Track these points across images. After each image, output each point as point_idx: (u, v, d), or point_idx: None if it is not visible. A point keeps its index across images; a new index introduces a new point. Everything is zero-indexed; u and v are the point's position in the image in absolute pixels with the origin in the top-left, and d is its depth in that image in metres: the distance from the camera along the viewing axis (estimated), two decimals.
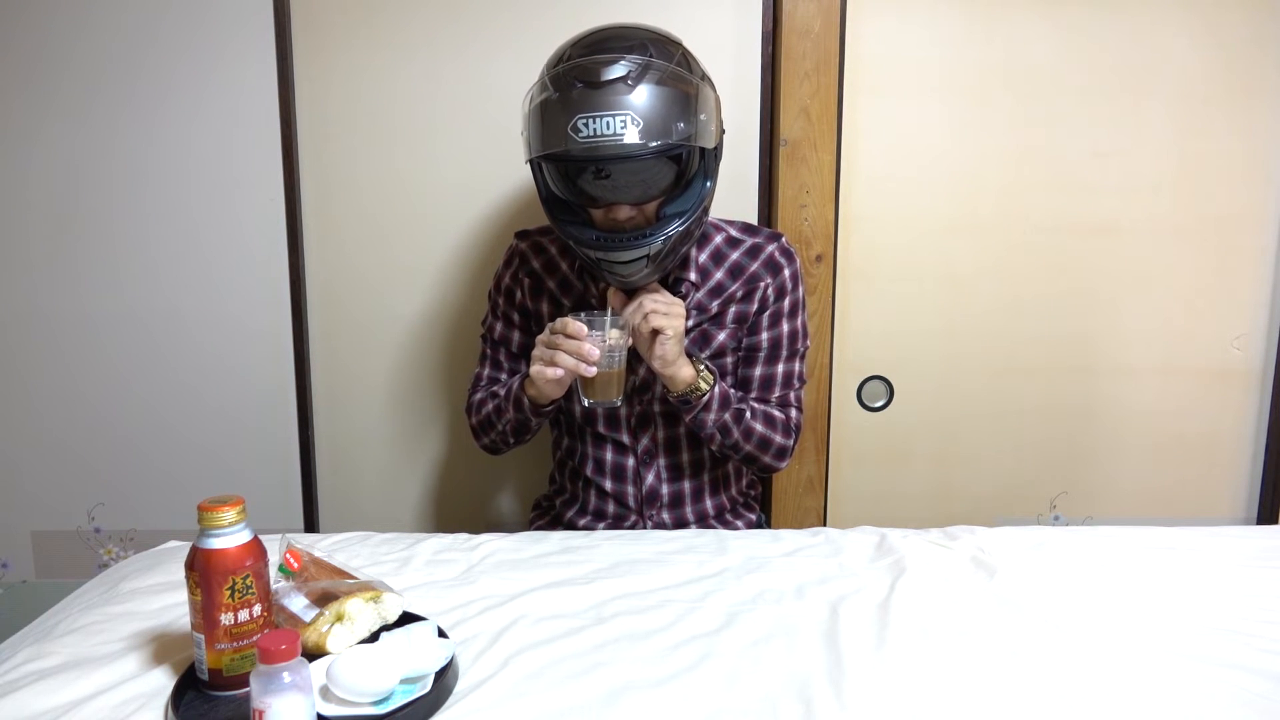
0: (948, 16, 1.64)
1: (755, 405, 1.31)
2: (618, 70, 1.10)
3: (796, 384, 1.36)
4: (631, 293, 1.23)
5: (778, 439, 1.32)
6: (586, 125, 1.09)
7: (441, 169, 1.67)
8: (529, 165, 1.21)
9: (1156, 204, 1.71)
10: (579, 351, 1.13)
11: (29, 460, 1.75)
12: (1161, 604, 1.00)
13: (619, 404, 1.22)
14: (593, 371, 1.14)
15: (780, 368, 1.35)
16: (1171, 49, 1.66)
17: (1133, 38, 1.65)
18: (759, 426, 1.30)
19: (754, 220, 1.68)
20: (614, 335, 1.17)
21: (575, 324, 1.13)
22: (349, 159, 1.67)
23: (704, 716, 0.78)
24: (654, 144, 1.10)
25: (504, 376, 1.40)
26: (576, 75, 1.11)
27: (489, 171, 1.66)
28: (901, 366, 1.76)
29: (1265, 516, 1.81)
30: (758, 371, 1.35)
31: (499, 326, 1.40)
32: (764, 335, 1.34)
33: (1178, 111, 1.68)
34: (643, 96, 1.10)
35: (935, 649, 0.90)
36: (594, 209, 1.20)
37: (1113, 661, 0.88)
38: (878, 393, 1.78)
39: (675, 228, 1.17)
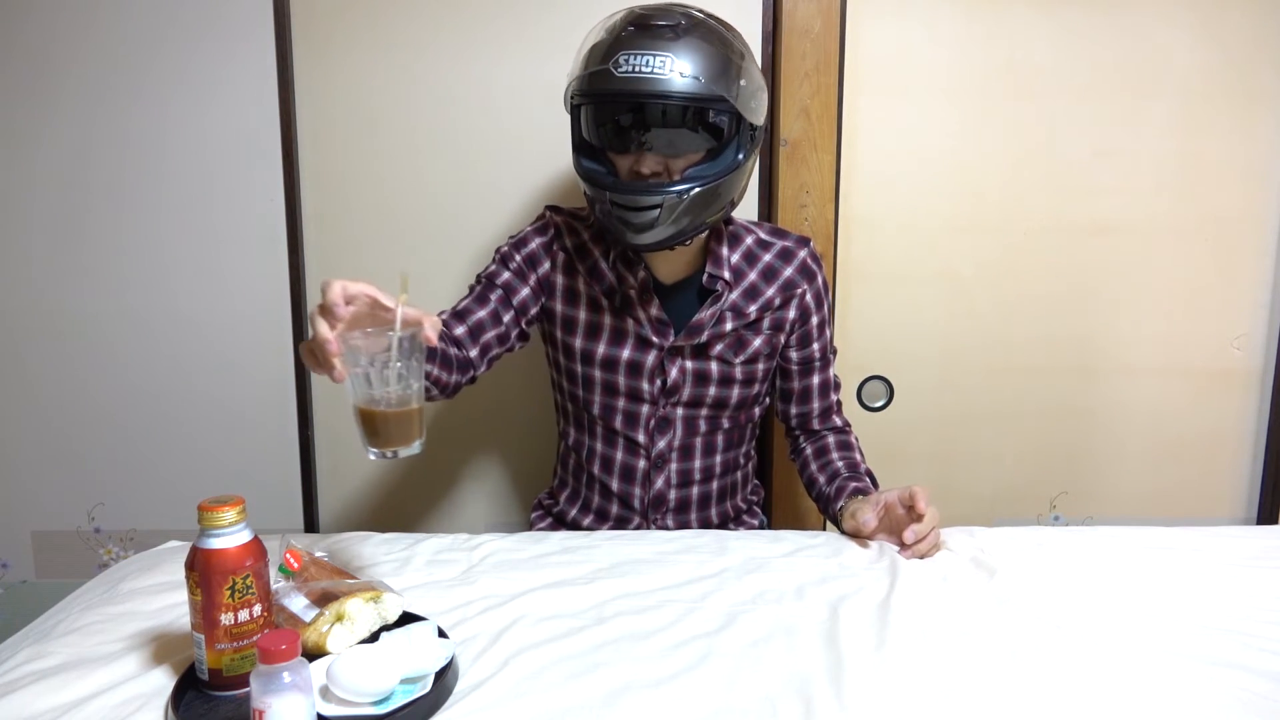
0: (948, 16, 1.64)
1: (854, 454, 1.39)
2: (670, 19, 1.13)
3: (838, 380, 1.44)
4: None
5: (860, 450, 1.41)
6: (628, 60, 1.11)
7: (442, 169, 1.67)
8: (568, 110, 1.22)
9: (1156, 204, 1.71)
10: (321, 346, 0.87)
11: (29, 460, 1.75)
12: (1161, 604, 1.00)
13: (417, 450, 0.93)
14: (338, 374, 0.88)
15: (831, 372, 1.41)
16: (1172, 49, 1.66)
17: (1133, 38, 1.65)
18: (863, 461, 1.39)
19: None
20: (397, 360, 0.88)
21: (336, 296, 0.88)
22: (349, 159, 1.67)
23: (704, 716, 0.78)
24: (688, 85, 1.10)
25: (482, 315, 1.28)
26: (629, 20, 1.15)
27: (490, 171, 1.66)
28: (901, 366, 1.76)
29: (1265, 516, 1.81)
30: (816, 380, 1.38)
31: (505, 274, 1.31)
32: (815, 345, 1.37)
33: (1178, 111, 1.68)
34: (689, 45, 1.12)
35: (935, 649, 0.90)
36: (621, 157, 1.19)
37: (1113, 661, 0.88)
38: (878, 393, 1.78)
39: (695, 185, 1.16)
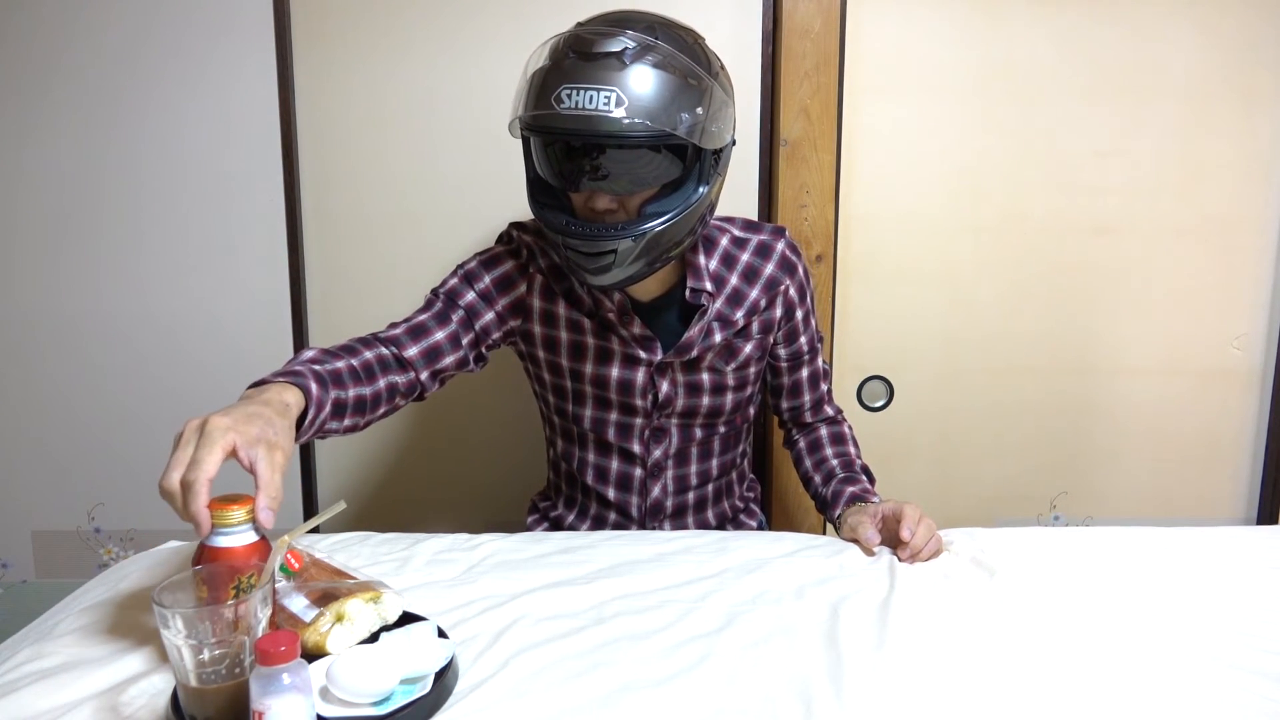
0: (948, 16, 1.64)
1: (847, 447, 1.39)
2: (615, 44, 1.03)
3: (826, 368, 1.42)
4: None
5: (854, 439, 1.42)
6: (570, 96, 1.02)
7: (442, 168, 1.67)
8: (521, 141, 1.16)
9: (1156, 204, 1.71)
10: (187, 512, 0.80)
11: (29, 460, 1.75)
12: (1161, 604, 1.00)
13: None
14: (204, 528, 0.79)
15: (819, 362, 1.38)
16: (1172, 49, 1.66)
17: (1133, 38, 1.65)
18: (858, 455, 1.39)
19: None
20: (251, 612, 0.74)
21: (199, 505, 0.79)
22: (349, 159, 1.67)
23: (704, 716, 0.78)
24: (636, 124, 1.02)
25: (440, 338, 1.20)
26: (573, 45, 1.06)
27: (490, 170, 1.66)
28: (901, 366, 1.76)
29: (1265, 516, 1.81)
30: (805, 373, 1.37)
31: (470, 295, 1.24)
32: (803, 339, 1.34)
33: (1178, 112, 1.68)
34: (638, 76, 1.03)
35: (935, 649, 0.90)
36: (574, 194, 1.12)
37: (1113, 662, 0.88)
38: (878, 393, 1.78)
39: (651, 225, 1.08)
